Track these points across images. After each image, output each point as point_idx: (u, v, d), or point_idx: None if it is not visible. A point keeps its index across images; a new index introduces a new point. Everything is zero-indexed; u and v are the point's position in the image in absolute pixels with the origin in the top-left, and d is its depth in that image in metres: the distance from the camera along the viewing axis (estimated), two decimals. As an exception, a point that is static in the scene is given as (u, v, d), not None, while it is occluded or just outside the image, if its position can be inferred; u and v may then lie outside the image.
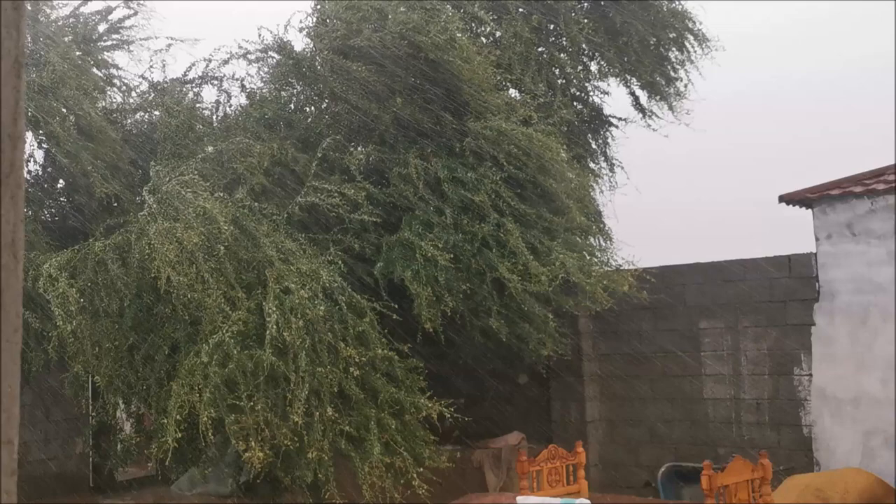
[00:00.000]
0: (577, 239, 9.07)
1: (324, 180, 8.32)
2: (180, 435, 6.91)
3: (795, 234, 9.68)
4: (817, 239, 9.28)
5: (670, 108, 10.73)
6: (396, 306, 7.94)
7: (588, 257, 8.89)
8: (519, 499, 6.47)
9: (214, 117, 9.73)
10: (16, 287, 0.90)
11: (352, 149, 8.83)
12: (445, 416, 7.72)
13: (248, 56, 9.48)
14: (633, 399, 10.50)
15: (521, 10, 10.02)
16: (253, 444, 6.87)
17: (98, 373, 7.58)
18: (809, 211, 9.34)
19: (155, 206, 7.45)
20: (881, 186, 8.90)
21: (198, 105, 9.68)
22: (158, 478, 10.33)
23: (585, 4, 10.64)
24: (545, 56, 10.15)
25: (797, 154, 17.87)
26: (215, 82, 9.79)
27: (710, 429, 9.96)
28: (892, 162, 9.26)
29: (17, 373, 0.96)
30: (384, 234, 8.43)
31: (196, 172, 7.81)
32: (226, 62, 9.52)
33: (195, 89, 9.81)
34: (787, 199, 9.43)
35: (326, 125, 9.24)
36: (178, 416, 6.84)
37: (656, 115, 10.83)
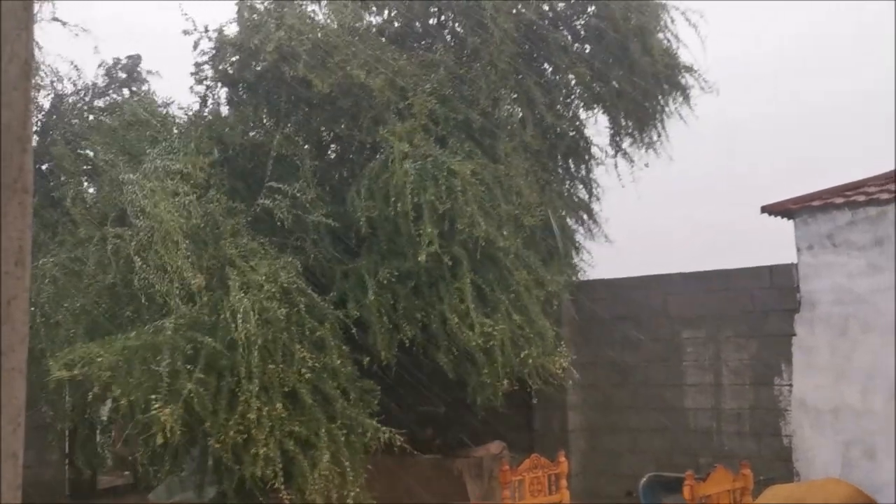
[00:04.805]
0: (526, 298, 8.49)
1: (280, 182, 8.22)
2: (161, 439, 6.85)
3: (777, 244, 9.74)
4: (798, 249, 9.33)
5: (647, 151, 10.54)
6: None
7: (524, 333, 8.30)
8: (502, 508, 6.45)
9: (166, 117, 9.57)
10: (22, 297, 0.87)
11: (303, 157, 8.61)
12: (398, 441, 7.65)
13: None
14: (615, 408, 10.49)
15: (505, 28, 9.49)
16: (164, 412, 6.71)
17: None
18: (791, 222, 9.40)
19: (137, 181, 7.54)
20: (862, 198, 8.98)
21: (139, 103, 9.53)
22: (135, 486, 10.23)
23: (581, 29, 10.30)
24: (523, 81, 9.55)
25: (779, 165, 18.00)
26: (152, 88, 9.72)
27: (691, 438, 9.98)
28: (873, 174, 9.36)
29: (22, 383, 0.93)
30: (346, 262, 8.34)
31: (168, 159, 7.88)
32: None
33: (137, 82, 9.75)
34: (769, 209, 9.49)
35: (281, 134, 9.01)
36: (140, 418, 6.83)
37: (632, 157, 10.61)
